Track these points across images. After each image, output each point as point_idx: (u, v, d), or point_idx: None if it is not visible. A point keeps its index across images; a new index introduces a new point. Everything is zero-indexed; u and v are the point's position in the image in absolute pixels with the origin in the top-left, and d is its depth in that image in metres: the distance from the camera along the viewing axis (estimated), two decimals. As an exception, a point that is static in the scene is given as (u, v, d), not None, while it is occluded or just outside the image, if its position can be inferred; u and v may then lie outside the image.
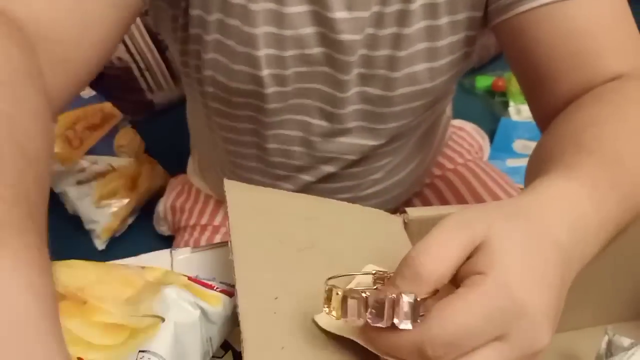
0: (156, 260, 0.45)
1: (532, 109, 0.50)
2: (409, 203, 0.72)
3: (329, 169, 0.60)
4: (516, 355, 0.25)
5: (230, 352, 0.38)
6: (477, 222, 0.26)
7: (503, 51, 0.50)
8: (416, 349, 0.24)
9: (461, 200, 0.70)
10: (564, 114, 0.43)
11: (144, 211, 0.97)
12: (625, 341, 0.47)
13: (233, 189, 0.39)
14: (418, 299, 0.24)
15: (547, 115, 0.46)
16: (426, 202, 0.73)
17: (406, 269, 0.25)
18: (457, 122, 0.85)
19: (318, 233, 0.38)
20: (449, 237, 0.26)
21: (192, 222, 0.76)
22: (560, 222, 0.28)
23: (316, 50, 0.50)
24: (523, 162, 1.13)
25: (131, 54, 0.88)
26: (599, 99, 0.41)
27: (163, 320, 0.34)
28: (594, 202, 0.31)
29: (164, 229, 0.85)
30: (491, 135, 1.16)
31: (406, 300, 0.24)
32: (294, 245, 0.36)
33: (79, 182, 0.91)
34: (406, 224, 0.41)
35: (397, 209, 0.67)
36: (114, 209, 0.91)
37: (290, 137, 0.57)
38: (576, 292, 0.49)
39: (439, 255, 0.25)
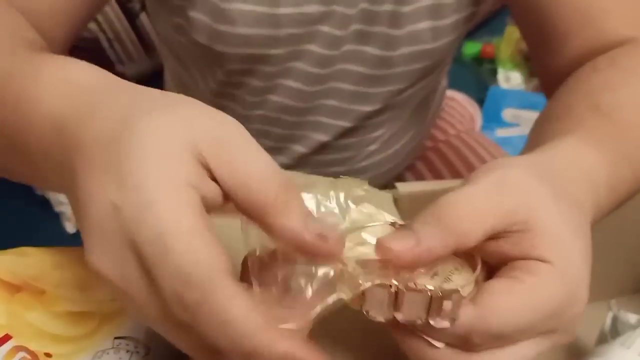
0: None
1: (539, 70, 0.49)
2: (401, 176, 0.70)
3: (321, 137, 0.57)
4: (547, 346, 0.24)
5: None
6: (519, 195, 0.23)
7: (509, 8, 0.48)
8: (463, 334, 0.21)
9: (454, 173, 0.69)
10: (578, 74, 0.42)
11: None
12: (632, 317, 0.46)
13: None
14: (464, 295, 0.21)
15: (553, 76, 0.45)
16: (418, 175, 0.71)
17: (431, 213, 0.22)
18: (448, 93, 0.83)
19: None
20: (487, 199, 0.23)
21: None
22: (585, 192, 0.27)
23: (314, 8, 0.47)
24: (513, 133, 1.11)
25: (98, 23, 0.82)
26: (614, 62, 0.41)
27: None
28: (609, 170, 0.30)
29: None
30: (480, 105, 1.14)
31: (449, 301, 0.20)
32: None
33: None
34: (396, 200, 0.38)
35: (389, 183, 0.65)
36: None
37: (279, 103, 0.55)
38: None
39: (471, 213, 0.22)
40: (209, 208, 0.21)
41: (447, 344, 0.22)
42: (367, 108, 0.56)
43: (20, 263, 0.32)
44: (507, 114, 1.14)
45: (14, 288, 0.30)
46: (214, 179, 0.21)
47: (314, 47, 0.50)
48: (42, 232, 0.88)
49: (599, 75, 0.40)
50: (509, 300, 0.21)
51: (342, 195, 0.23)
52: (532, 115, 1.12)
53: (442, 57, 0.54)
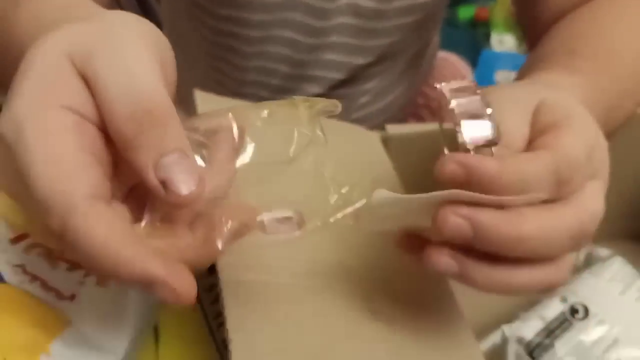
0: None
1: (524, 23, 0.51)
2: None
3: (314, 89, 0.59)
4: (604, 189, 0.26)
5: None
6: (526, 94, 0.28)
7: None
8: (552, 170, 0.23)
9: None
10: (559, 25, 0.44)
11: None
12: (603, 252, 0.49)
13: (204, 101, 0.38)
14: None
15: (539, 29, 0.47)
16: None
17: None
18: (441, 54, 0.85)
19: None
20: (511, 116, 0.27)
21: None
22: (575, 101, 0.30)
23: None
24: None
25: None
26: (596, 6, 0.43)
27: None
28: (584, 90, 0.33)
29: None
30: (473, 67, 1.16)
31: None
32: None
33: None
34: (386, 141, 0.40)
35: None
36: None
37: (274, 54, 0.56)
38: None
39: (512, 128, 0.26)
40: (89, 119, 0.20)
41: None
42: (361, 61, 0.57)
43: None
44: (500, 76, 1.16)
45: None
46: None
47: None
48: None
49: (578, 25, 0.43)
50: (567, 136, 0.25)
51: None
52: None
53: (433, 11, 0.56)
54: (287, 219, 0.21)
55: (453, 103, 0.23)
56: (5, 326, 0.24)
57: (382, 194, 0.23)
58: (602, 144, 0.27)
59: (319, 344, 0.27)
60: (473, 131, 0.23)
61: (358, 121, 0.62)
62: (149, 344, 0.31)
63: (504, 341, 0.44)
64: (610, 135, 0.39)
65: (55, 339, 0.25)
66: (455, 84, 0.25)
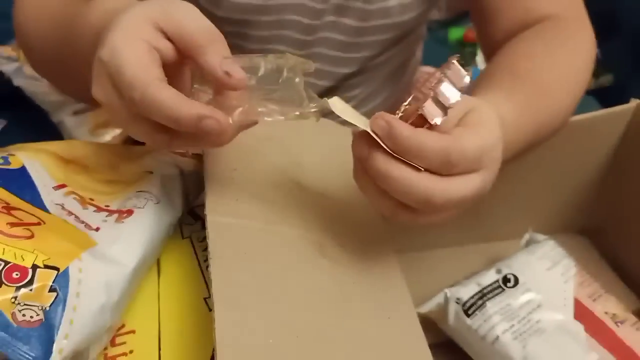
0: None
1: (481, 44, 0.59)
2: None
3: None
4: (482, 189, 0.34)
5: (199, 221, 0.46)
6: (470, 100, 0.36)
7: None
8: (444, 151, 0.31)
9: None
10: (506, 46, 0.51)
11: (138, 143, 1.04)
12: (540, 237, 0.57)
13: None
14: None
15: (491, 48, 0.54)
16: None
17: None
18: (430, 69, 0.91)
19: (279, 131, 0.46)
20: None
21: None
22: (496, 117, 0.37)
23: None
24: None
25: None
26: (535, 35, 0.50)
27: (152, 173, 0.43)
28: (515, 114, 0.41)
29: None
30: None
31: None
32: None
33: (76, 112, 0.98)
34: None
35: None
36: (108, 137, 0.99)
37: None
38: (505, 207, 0.58)
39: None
40: (167, 58, 0.32)
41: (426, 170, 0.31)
42: (345, 70, 0.63)
43: (70, 147, 0.45)
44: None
45: (67, 161, 0.43)
46: (168, 39, 0.32)
47: (299, 18, 0.58)
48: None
49: (523, 46, 0.50)
50: (469, 133, 0.33)
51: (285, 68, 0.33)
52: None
53: (409, 28, 0.62)
54: (274, 110, 0.33)
55: (447, 72, 0.32)
56: (51, 238, 0.34)
57: (336, 104, 0.35)
58: (496, 157, 0.35)
59: (280, 279, 0.35)
60: (448, 91, 0.31)
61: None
62: (153, 272, 0.41)
63: (446, 301, 0.52)
64: (540, 144, 0.48)
65: (85, 251, 0.34)
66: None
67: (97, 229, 0.37)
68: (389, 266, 0.42)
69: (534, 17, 0.52)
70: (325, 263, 0.39)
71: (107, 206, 0.40)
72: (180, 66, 0.34)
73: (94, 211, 0.39)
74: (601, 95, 1.15)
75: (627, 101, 0.55)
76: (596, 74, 1.17)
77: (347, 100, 0.70)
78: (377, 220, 0.44)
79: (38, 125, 1.01)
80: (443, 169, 0.31)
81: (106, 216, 0.39)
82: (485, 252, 0.59)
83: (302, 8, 0.57)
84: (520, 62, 0.47)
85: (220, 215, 0.38)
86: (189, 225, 0.47)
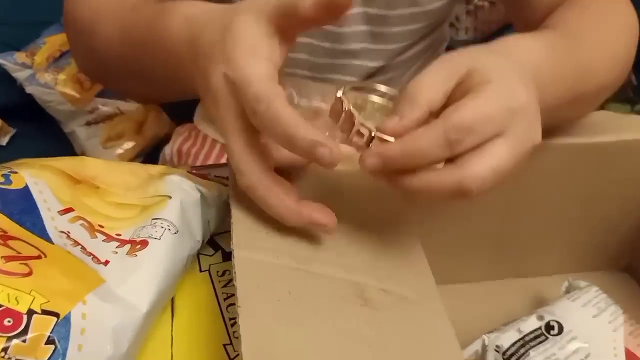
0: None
1: (518, 29, 0.56)
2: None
3: None
4: (518, 149, 0.30)
5: (219, 252, 0.42)
6: (460, 56, 0.32)
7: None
8: (441, 133, 0.28)
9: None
10: (546, 19, 0.48)
11: (149, 157, 1.01)
12: (582, 283, 0.52)
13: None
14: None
15: (529, 28, 0.51)
16: None
17: (403, 97, 0.31)
18: None
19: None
20: (437, 69, 0.31)
21: (198, 162, 0.79)
22: (526, 62, 0.34)
23: None
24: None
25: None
26: (577, 5, 0.47)
27: (170, 197, 0.38)
28: (550, 60, 0.36)
29: (169, 172, 0.88)
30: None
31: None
32: None
33: (88, 123, 0.95)
34: None
35: None
36: (120, 150, 0.95)
37: (295, 60, 0.61)
38: (544, 241, 0.53)
39: (429, 83, 0.30)
40: (279, 64, 0.32)
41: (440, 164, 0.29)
42: (372, 64, 0.62)
43: (80, 165, 0.40)
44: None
45: (76, 181, 0.39)
46: (283, 36, 0.32)
47: None
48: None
49: (564, 12, 0.47)
50: (465, 103, 0.29)
51: None
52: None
53: (437, 19, 0.61)
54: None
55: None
56: (52, 276, 0.29)
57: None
58: (521, 101, 0.30)
59: (318, 332, 0.31)
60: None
61: None
62: (167, 313, 0.36)
63: (484, 349, 0.47)
64: (585, 95, 0.42)
65: (90, 291, 0.29)
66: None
67: (106, 263, 0.32)
68: (436, 315, 0.37)
69: None
70: (366, 312, 0.34)
71: (119, 235, 0.35)
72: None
73: (104, 240, 0.34)
74: None
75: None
76: (633, 101, 1.13)
77: None
78: (423, 257, 0.39)
79: (49, 135, 0.98)
80: (449, 152, 0.29)
81: (117, 247, 0.34)
82: (521, 288, 0.55)
83: None
84: (550, 20, 0.45)
85: (249, 250, 0.33)
86: (208, 256, 0.42)
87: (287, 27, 0.32)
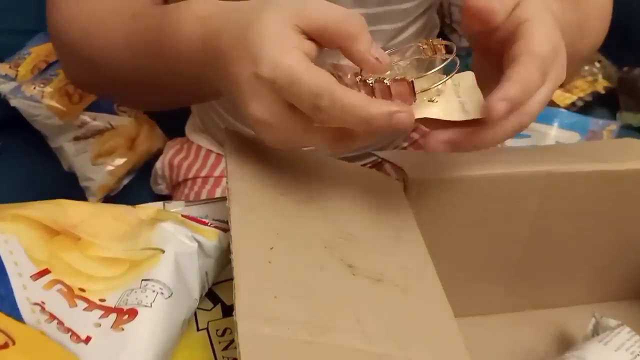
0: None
1: None
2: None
3: None
4: (554, 84, 0.33)
5: (219, 305, 0.38)
6: None
7: None
8: (542, 70, 0.31)
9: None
10: None
11: (141, 172, 0.97)
12: (612, 322, 0.49)
13: (232, 138, 0.39)
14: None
15: None
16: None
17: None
18: None
19: (317, 189, 0.38)
20: None
21: (191, 175, 0.76)
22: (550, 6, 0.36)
23: None
24: (522, 142, 1.13)
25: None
26: None
27: (163, 252, 0.33)
28: (560, 12, 0.38)
29: (161, 187, 0.85)
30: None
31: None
32: (293, 198, 0.36)
33: (77, 138, 0.90)
34: (406, 186, 0.41)
35: (383, 147, 0.71)
36: (111, 167, 0.91)
37: None
38: (568, 270, 0.51)
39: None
40: (311, 58, 0.31)
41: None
42: None
43: (60, 212, 0.35)
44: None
45: (54, 232, 0.34)
46: (310, 39, 0.31)
47: None
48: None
49: None
50: (538, 34, 0.32)
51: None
52: (542, 128, 1.14)
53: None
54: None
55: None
56: (21, 368, 0.24)
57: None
58: (562, 47, 0.33)
59: None
60: None
61: None
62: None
63: None
64: (578, 54, 0.46)
65: (68, 384, 0.25)
66: None
67: (87, 340, 0.28)
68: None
69: None
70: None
71: (102, 300, 0.30)
72: None
73: (85, 309, 0.29)
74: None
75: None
76: (646, 110, 1.09)
77: None
78: (452, 320, 0.34)
79: (34, 151, 0.93)
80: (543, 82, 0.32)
81: (100, 317, 0.29)
82: (542, 321, 0.52)
83: None
84: None
85: (255, 322, 0.28)
86: (206, 311, 0.37)
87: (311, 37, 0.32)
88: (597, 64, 1.14)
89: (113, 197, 0.96)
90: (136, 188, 0.96)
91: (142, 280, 0.31)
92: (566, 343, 0.52)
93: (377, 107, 0.29)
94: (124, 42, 0.43)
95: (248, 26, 0.31)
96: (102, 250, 0.34)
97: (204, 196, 0.72)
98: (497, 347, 0.49)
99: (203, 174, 0.75)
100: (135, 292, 0.31)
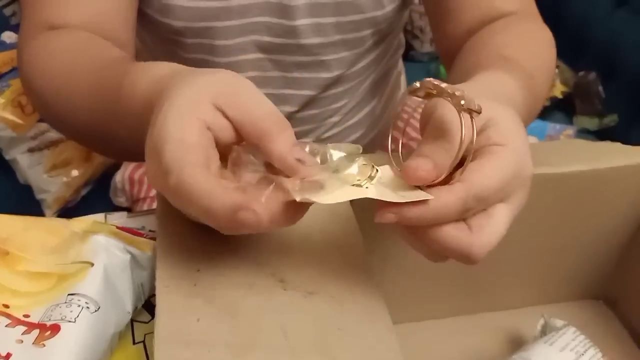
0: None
1: (437, 40, 0.59)
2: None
3: (287, 108, 0.62)
4: (514, 214, 0.30)
5: None
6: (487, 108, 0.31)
7: None
8: (461, 202, 0.28)
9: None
10: (477, 38, 0.51)
11: (99, 183, 0.95)
12: (558, 323, 0.50)
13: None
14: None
15: (451, 42, 0.54)
16: None
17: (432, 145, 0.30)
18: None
19: None
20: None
21: (152, 193, 0.74)
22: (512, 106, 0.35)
23: None
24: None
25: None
26: (504, 28, 0.52)
27: (92, 265, 0.33)
28: (522, 92, 0.39)
29: (121, 200, 0.83)
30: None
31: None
32: None
33: (31, 150, 0.88)
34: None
35: None
36: (66, 178, 0.89)
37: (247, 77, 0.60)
38: (518, 273, 0.51)
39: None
40: (223, 139, 0.29)
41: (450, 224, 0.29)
42: (326, 75, 0.61)
43: (-11, 226, 0.35)
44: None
45: (-19, 248, 0.33)
46: (228, 119, 0.29)
47: (267, 19, 0.54)
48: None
49: (497, 37, 0.50)
50: (486, 169, 0.29)
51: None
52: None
53: (387, 25, 0.60)
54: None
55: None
56: None
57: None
58: (527, 170, 0.31)
59: None
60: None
61: (333, 139, 0.68)
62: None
63: None
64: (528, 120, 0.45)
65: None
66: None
67: (7, 357, 0.27)
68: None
69: (496, 13, 0.53)
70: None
71: (27, 316, 0.30)
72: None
73: (7, 325, 0.29)
74: (605, 136, 1.09)
75: (632, 142, 0.49)
76: (601, 114, 1.11)
77: (332, 114, 0.66)
78: (390, 328, 0.34)
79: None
80: (461, 216, 0.29)
81: (23, 333, 0.29)
82: (493, 324, 0.52)
83: (271, 7, 0.54)
84: (503, 49, 0.47)
85: (174, 346, 0.27)
86: (143, 323, 0.36)
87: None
88: (555, 70, 1.17)
89: (71, 209, 0.94)
90: (95, 199, 0.95)
91: (68, 294, 0.31)
92: (517, 345, 0.52)
93: (222, 200, 0.26)
94: (86, 106, 0.42)
95: (169, 87, 0.30)
96: (30, 264, 0.33)
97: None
98: (447, 350, 0.49)
99: None
100: (60, 307, 0.30)
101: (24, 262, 0.33)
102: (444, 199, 0.28)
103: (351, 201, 0.39)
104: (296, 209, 0.28)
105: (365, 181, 0.29)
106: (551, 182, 0.45)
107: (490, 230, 0.29)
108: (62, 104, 0.44)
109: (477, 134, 0.29)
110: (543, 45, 0.51)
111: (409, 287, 0.48)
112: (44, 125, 0.90)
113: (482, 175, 0.29)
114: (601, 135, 1.11)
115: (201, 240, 0.32)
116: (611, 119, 1.10)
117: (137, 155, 0.35)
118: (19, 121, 0.89)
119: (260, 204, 0.26)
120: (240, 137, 0.29)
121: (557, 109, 1.18)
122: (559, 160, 0.46)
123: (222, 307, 0.29)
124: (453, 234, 0.29)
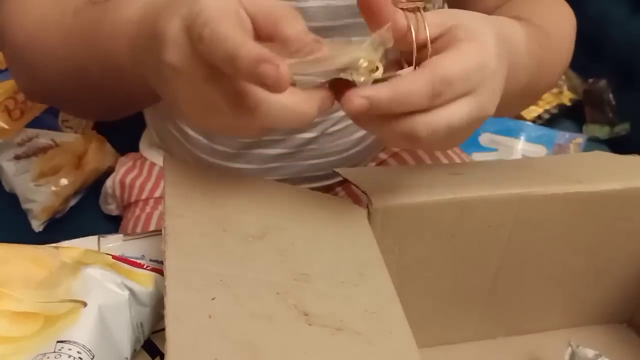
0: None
1: None
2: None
3: None
4: (475, 114, 0.31)
5: (158, 359, 0.33)
6: (454, 11, 0.34)
7: None
8: (429, 84, 0.30)
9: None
10: (496, 12, 0.52)
11: (90, 192, 0.91)
12: (590, 352, 0.47)
13: (173, 167, 0.34)
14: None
15: None
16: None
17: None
18: None
19: (268, 223, 0.34)
20: (433, 14, 0.33)
21: (144, 196, 0.72)
22: (511, 41, 0.36)
23: None
24: (489, 156, 1.11)
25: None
26: (524, 2, 0.53)
27: (85, 304, 0.28)
28: (527, 38, 0.40)
29: (111, 207, 0.80)
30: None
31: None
32: (240, 235, 0.32)
33: (17, 157, 0.84)
34: (370, 214, 0.38)
35: (359, 163, 0.68)
36: (55, 187, 0.84)
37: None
38: (543, 295, 0.49)
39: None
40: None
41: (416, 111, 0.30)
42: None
43: (-35, 257, 0.30)
44: (484, 138, 1.15)
45: (-44, 283, 0.28)
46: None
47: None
48: (7, 229, 0.85)
49: (517, 7, 0.52)
50: (449, 55, 0.31)
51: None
52: (509, 141, 1.13)
53: None
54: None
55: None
56: None
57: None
58: (491, 73, 0.32)
59: None
60: None
61: (337, 134, 0.64)
62: None
63: None
64: (540, 82, 0.46)
65: None
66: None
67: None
68: None
69: None
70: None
71: (7, 369, 0.25)
72: None
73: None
74: (616, 144, 1.07)
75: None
76: (612, 122, 1.08)
77: (338, 107, 0.66)
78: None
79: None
80: (431, 102, 0.31)
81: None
82: (517, 348, 0.50)
83: None
84: (520, 12, 0.47)
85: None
86: (142, 366, 0.32)
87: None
88: (562, 76, 1.14)
89: (59, 220, 0.90)
90: (84, 209, 0.91)
91: (57, 342, 0.26)
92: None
93: (249, 48, 0.27)
94: (64, 42, 0.42)
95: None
96: (14, 302, 0.29)
97: (155, 219, 0.67)
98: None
99: (157, 194, 0.71)
100: (48, 357, 0.26)
101: (7, 299, 0.29)
102: (411, 77, 0.30)
103: (370, 217, 0.37)
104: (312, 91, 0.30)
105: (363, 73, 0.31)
106: (580, 201, 0.43)
107: (444, 114, 0.31)
108: (38, 53, 0.44)
109: (444, 35, 0.32)
110: (564, 19, 0.52)
111: (428, 311, 0.46)
112: (32, 131, 0.86)
113: (446, 60, 0.31)
114: (611, 144, 1.08)
115: (216, 264, 0.29)
116: (622, 128, 1.07)
117: (111, 97, 0.38)
118: (6, 126, 0.84)
119: (284, 65, 0.27)
120: (256, 36, 0.30)
121: (566, 117, 1.15)
122: (588, 176, 0.44)
123: (240, 344, 0.26)
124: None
